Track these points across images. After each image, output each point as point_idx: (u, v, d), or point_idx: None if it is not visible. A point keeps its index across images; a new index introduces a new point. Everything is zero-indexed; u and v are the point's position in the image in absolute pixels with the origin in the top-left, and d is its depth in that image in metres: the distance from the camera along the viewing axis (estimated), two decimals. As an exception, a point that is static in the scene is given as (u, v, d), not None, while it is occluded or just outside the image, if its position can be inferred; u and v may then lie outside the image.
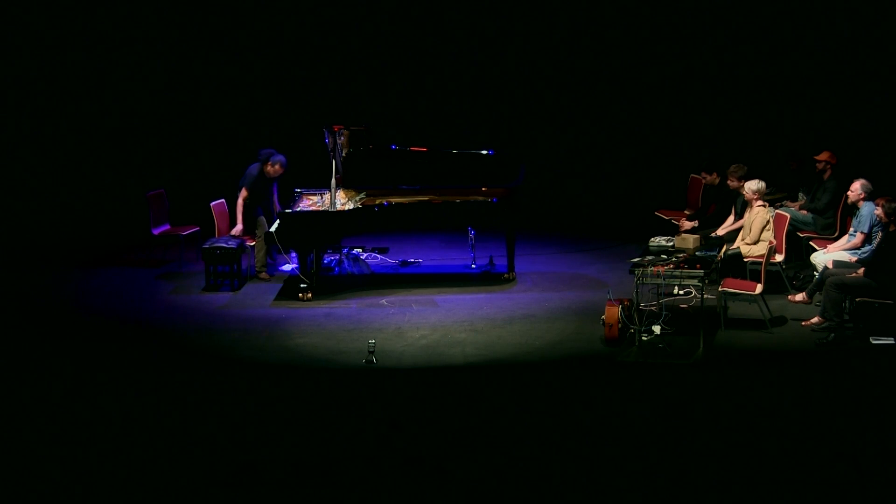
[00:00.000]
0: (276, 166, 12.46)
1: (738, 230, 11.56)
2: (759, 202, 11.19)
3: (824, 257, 11.04)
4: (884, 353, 9.82)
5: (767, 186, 11.53)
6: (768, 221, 11.09)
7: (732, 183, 11.82)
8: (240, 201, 12.34)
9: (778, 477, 7.39)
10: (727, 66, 15.96)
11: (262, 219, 12.34)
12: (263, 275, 12.37)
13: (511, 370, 9.66)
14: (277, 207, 12.59)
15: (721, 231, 11.84)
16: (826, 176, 12.25)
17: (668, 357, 9.85)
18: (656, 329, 10.16)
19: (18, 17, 16.11)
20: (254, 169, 12.43)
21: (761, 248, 10.90)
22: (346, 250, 13.28)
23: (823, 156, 12.28)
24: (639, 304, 10.30)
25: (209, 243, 12.11)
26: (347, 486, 7.32)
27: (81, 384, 9.36)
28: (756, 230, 11.07)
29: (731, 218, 11.96)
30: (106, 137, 16.41)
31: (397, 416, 8.45)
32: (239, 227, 12.28)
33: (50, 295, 12.15)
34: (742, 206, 11.67)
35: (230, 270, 12.12)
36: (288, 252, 12.17)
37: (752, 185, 11.26)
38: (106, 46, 16.28)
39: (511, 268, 12.40)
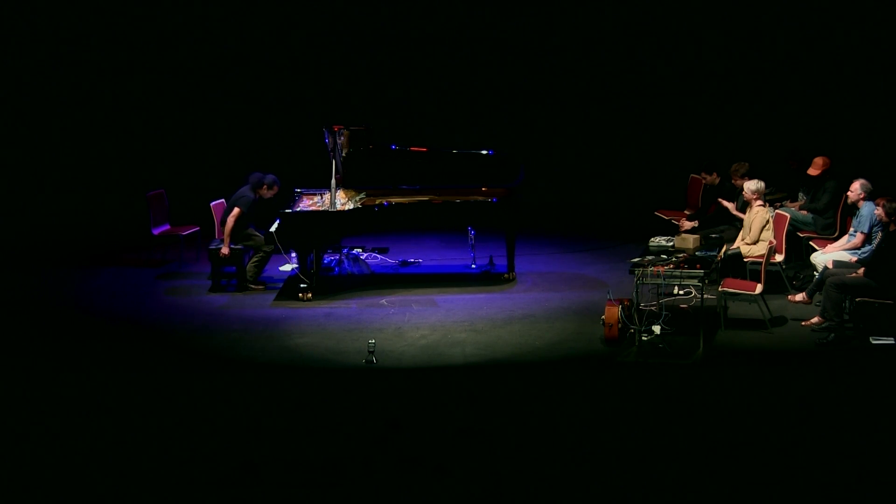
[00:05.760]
0: (275, 188, 12.13)
1: (738, 229, 11.57)
2: (759, 202, 11.19)
3: (824, 257, 11.03)
4: (884, 353, 9.82)
5: (767, 186, 11.53)
6: (768, 221, 11.09)
7: (737, 181, 11.82)
8: (231, 220, 11.88)
9: (778, 477, 7.39)
10: (727, 65, 15.96)
11: (256, 233, 12.17)
12: (254, 285, 12.08)
13: (511, 370, 9.67)
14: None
15: (728, 203, 11.78)
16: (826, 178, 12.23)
17: (668, 357, 9.85)
18: (656, 329, 10.16)
19: (18, 17, 16.11)
20: (249, 192, 12.03)
21: (761, 248, 10.90)
22: (346, 250, 13.27)
23: (818, 165, 12.14)
24: (639, 304, 10.30)
25: (215, 244, 12.08)
26: (347, 486, 7.32)
27: (81, 384, 9.36)
28: (756, 230, 11.07)
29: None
30: (106, 137, 16.40)
31: (397, 416, 8.45)
32: (226, 249, 11.88)
33: (50, 295, 12.15)
34: (742, 206, 11.67)
35: (235, 271, 12.10)
36: (288, 252, 12.16)
37: (751, 185, 11.27)
38: (106, 46, 16.28)
39: (511, 268, 12.39)
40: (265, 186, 12.12)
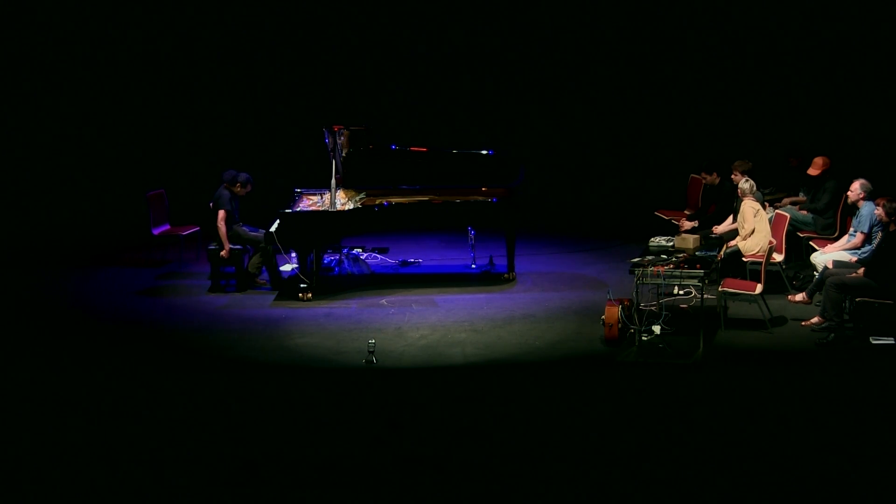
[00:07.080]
0: (248, 186, 12.23)
1: (736, 229, 11.55)
2: (749, 198, 11.17)
3: (824, 257, 11.03)
4: (884, 353, 9.82)
5: (768, 186, 11.51)
6: (758, 211, 11.05)
7: (736, 177, 11.81)
8: (221, 224, 11.95)
9: (778, 477, 7.39)
10: (727, 65, 15.96)
11: (247, 230, 12.23)
12: (259, 280, 12.20)
13: (511, 370, 9.67)
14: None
15: (720, 229, 11.81)
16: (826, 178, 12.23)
17: (668, 357, 9.85)
18: (656, 329, 10.16)
19: (19, 17, 16.11)
20: (224, 191, 12.09)
21: (759, 242, 10.85)
22: (346, 250, 13.27)
23: (817, 165, 12.14)
24: (639, 304, 10.30)
25: (214, 244, 12.08)
26: (347, 486, 7.32)
27: (81, 384, 9.36)
28: (749, 220, 11.01)
29: (731, 218, 11.94)
30: (106, 137, 16.41)
31: (397, 415, 8.45)
32: (226, 252, 11.97)
33: (50, 295, 12.15)
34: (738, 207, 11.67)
35: (235, 271, 12.11)
36: (288, 252, 12.17)
37: (740, 184, 11.29)
38: (105, 46, 16.28)
39: (511, 268, 12.39)
40: (238, 185, 12.19)
